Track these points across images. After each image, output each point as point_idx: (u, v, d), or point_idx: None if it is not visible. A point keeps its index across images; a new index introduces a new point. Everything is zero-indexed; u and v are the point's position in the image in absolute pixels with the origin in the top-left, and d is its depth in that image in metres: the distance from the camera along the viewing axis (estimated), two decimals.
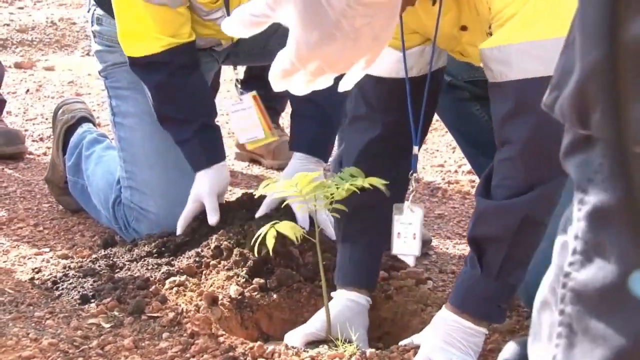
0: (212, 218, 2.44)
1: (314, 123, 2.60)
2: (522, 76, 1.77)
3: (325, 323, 1.97)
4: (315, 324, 1.99)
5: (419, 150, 2.04)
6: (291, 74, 1.10)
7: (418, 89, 2.01)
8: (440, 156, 3.59)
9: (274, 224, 1.91)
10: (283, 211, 2.30)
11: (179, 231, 2.46)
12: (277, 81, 1.10)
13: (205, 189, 2.48)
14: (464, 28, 1.95)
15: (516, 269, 1.83)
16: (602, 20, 0.71)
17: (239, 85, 2.76)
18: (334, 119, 2.64)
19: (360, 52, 1.12)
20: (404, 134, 2.02)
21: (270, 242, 1.88)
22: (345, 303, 2.04)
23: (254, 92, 2.65)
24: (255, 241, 1.91)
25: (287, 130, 3.58)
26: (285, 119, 3.86)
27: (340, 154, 2.25)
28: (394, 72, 2.03)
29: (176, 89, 2.54)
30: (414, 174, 2.03)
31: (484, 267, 1.83)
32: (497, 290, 1.85)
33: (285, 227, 1.90)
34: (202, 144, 2.54)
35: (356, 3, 1.03)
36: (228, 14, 2.57)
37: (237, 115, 2.66)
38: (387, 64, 2.02)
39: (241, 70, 3.42)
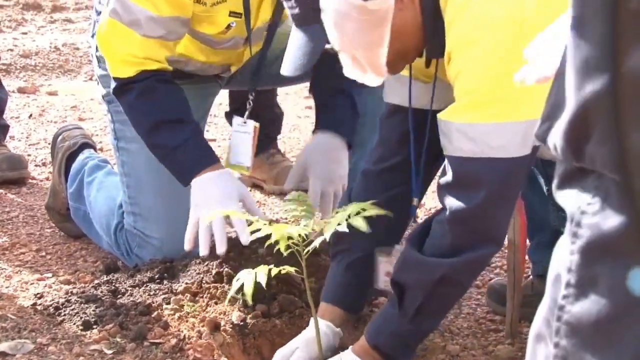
0: (245, 235, 2.23)
1: (343, 108, 2.61)
2: (458, 154, 1.85)
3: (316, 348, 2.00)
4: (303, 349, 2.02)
5: (419, 202, 2.10)
6: None
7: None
8: None
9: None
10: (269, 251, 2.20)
11: (187, 247, 2.32)
12: None
13: (235, 193, 2.35)
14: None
15: (430, 318, 1.94)
16: (600, 52, 0.72)
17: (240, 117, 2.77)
18: (359, 107, 2.67)
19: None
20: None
21: (248, 291, 1.86)
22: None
23: (257, 124, 2.68)
24: (239, 288, 1.90)
25: (288, 155, 3.60)
26: (287, 144, 3.87)
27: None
28: (405, 101, 2.07)
29: (162, 93, 2.46)
30: (415, 221, 2.12)
31: (401, 309, 1.91)
32: (409, 332, 1.94)
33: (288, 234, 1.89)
34: (203, 141, 2.48)
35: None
36: (249, 32, 2.59)
37: (237, 136, 2.70)
38: (402, 92, 2.08)
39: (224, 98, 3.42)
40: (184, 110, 2.48)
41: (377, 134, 2.75)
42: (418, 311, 1.89)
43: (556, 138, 0.78)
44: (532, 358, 0.83)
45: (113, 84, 2.49)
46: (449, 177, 1.86)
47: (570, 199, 0.79)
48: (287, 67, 1.94)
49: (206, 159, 2.43)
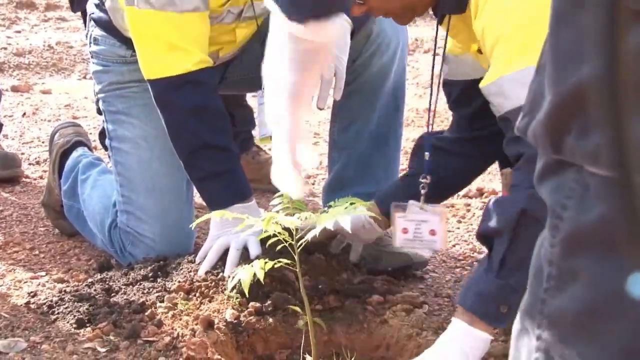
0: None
1: None
2: (518, 103, 1.83)
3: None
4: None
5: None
6: None
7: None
8: None
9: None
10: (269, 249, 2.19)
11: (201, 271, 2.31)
12: None
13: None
14: (480, 51, 2.00)
15: (516, 266, 1.83)
16: (588, 42, 0.71)
17: None
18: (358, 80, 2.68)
19: None
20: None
21: (246, 285, 1.88)
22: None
23: None
24: (235, 282, 1.93)
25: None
26: None
27: None
28: (459, 75, 2.24)
29: (212, 115, 2.43)
30: (426, 177, 2.19)
31: (488, 262, 1.88)
32: (496, 288, 1.85)
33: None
34: (242, 175, 2.45)
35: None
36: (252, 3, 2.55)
37: (261, 108, 2.64)
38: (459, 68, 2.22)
39: None
40: (229, 138, 2.46)
41: (369, 111, 2.73)
42: (504, 260, 1.84)
43: (536, 130, 0.78)
44: (515, 351, 0.83)
45: (157, 88, 2.42)
46: (513, 132, 1.87)
47: (550, 192, 0.79)
48: None
49: (241, 194, 2.41)
